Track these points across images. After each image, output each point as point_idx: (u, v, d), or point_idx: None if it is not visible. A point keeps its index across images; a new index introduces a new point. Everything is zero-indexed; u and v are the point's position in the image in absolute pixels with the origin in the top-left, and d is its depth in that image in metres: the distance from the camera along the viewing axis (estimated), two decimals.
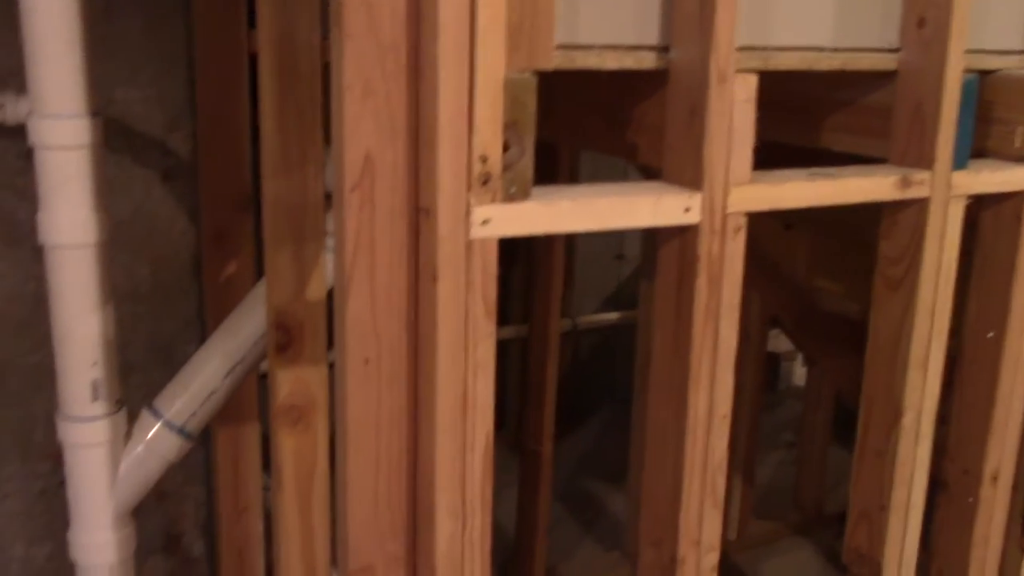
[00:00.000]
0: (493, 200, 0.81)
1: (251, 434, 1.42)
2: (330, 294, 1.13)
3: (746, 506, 2.10)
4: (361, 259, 0.81)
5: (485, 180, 0.81)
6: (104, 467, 1.12)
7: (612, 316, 2.90)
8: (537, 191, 0.85)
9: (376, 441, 0.86)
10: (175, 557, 1.45)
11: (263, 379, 1.40)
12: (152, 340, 1.36)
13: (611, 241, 2.96)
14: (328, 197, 1.08)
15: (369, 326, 0.83)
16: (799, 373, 3.11)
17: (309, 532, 1.18)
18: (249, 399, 1.40)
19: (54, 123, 1.00)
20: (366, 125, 0.79)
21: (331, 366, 1.17)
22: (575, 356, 2.84)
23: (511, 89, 0.80)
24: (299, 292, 1.11)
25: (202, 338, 1.39)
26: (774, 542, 2.16)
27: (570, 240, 2.58)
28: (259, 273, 1.36)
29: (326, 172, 1.12)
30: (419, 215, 0.82)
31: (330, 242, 1.17)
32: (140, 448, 1.14)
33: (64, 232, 1.03)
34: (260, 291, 1.18)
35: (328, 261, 1.15)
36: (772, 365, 3.04)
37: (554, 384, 1.85)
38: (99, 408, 1.10)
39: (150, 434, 1.15)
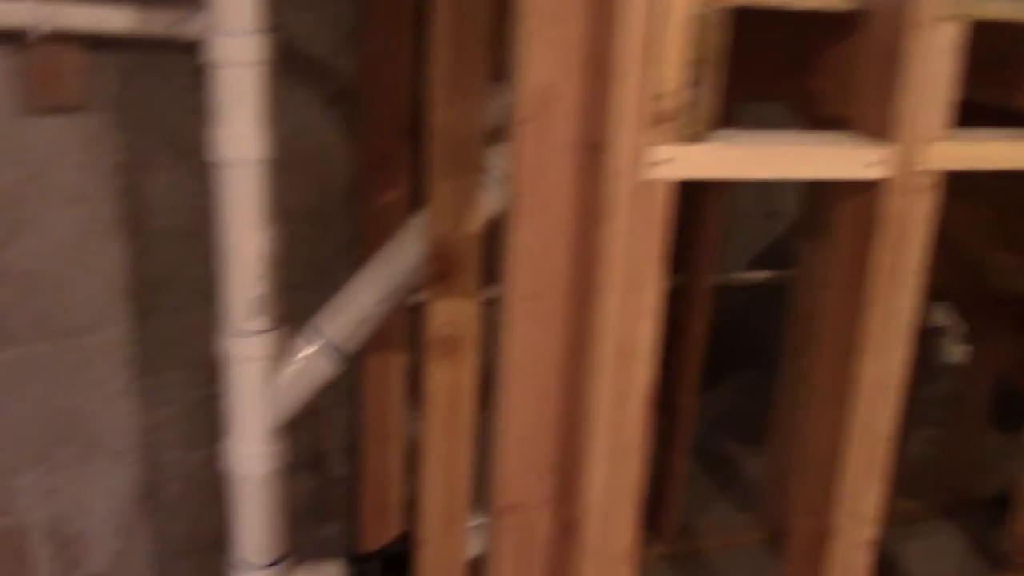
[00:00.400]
0: (670, 140, 0.78)
1: (398, 362, 1.44)
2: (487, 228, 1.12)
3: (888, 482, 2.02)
4: (533, 192, 0.79)
5: (663, 119, 0.77)
6: (262, 381, 1.14)
7: (760, 275, 2.81)
8: (716, 134, 0.81)
9: (535, 378, 0.85)
10: (319, 475, 1.48)
11: (412, 310, 1.41)
12: (308, 261, 1.38)
13: (764, 196, 2.86)
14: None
15: (536, 261, 0.81)
16: (951, 350, 2.96)
17: (453, 462, 1.18)
18: (399, 328, 1.41)
19: (230, 39, 1.01)
20: (547, 55, 0.76)
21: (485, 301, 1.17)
22: (717, 313, 2.78)
23: (698, 25, 0.76)
24: (458, 224, 1.10)
25: (356, 263, 1.40)
26: (916, 523, 2.08)
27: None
28: (415, 202, 1.36)
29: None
30: (593, 151, 0.80)
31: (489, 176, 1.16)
32: (297, 365, 1.16)
33: (233, 148, 1.05)
34: (419, 220, 1.18)
35: (486, 195, 1.14)
36: (924, 340, 2.90)
37: (703, 339, 1.81)
38: (260, 323, 1.12)
39: (307, 352, 1.16)
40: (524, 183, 0.79)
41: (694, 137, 0.78)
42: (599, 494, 0.86)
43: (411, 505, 1.55)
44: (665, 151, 0.77)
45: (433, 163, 1.07)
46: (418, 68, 1.32)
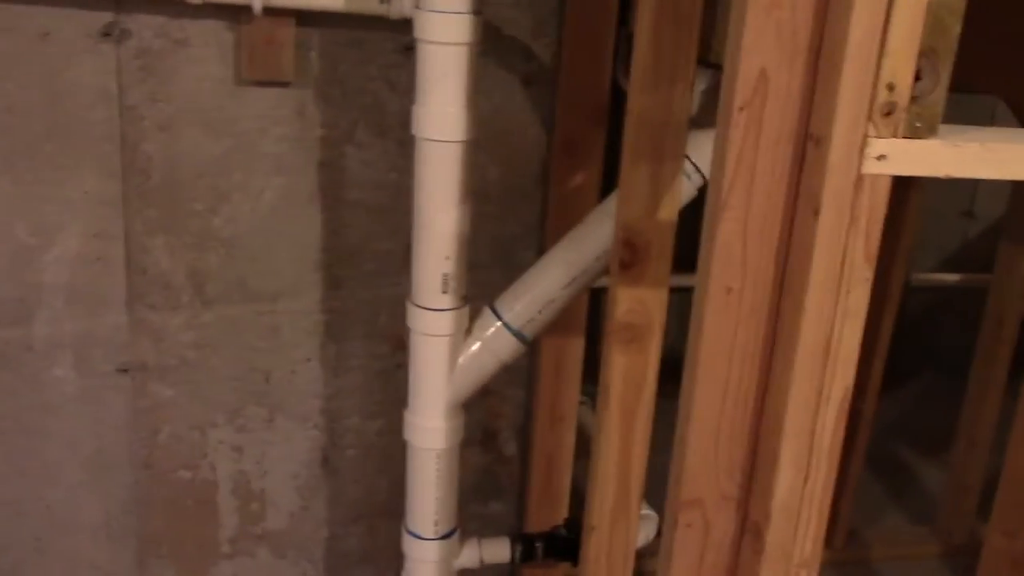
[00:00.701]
0: (894, 134, 0.74)
1: (575, 347, 1.43)
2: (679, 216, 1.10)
3: None
4: (739, 182, 0.77)
5: (888, 111, 0.73)
6: (445, 357, 1.16)
7: (951, 277, 2.67)
8: (944, 129, 0.76)
9: (727, 374, 0.82)
10: (490, 453, 1.50)
11: (592, 294, 1.40)
12: (493, 241, 1.39)
13: (961, 196, 2.72)
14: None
15: (737, 254, 0.79)
16: None
17: (628, 452, 1.17)
18: (578, 312, 1.41)
19: (440, 17, 1.02)
20: (766, 39, 0.73)
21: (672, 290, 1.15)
22: (901, 314, 2.67)
23: (934, 11, 0.72)
24: (650, 211, 1.08)
25: (541, 245, 1.41)
26: None
27: None
28: (604, 187, 1.35)
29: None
30: (807, 142, 0.76)
31: (687, 164, 1.14)
32: (478, 344, 1.17)
33: (436, 127, 1.06)
34: (608, 206, 1.17)
35: (683, 183, 1.11)
36: None
37: (887, 341, 1.73)
38: (447, 300, 1.13)
39: (489, 332, 1.17)
40: (731, 172, 0.77)
41: (920, 132, 0.74)
42: (786, 498, 0.84)
43: (577, 490, 1.55)
44: (888, 145, 0.74)
45: (627, 148, 1.06)
46: (614, 53, 1.31)
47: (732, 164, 0.76)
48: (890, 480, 2.18)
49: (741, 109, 0.75)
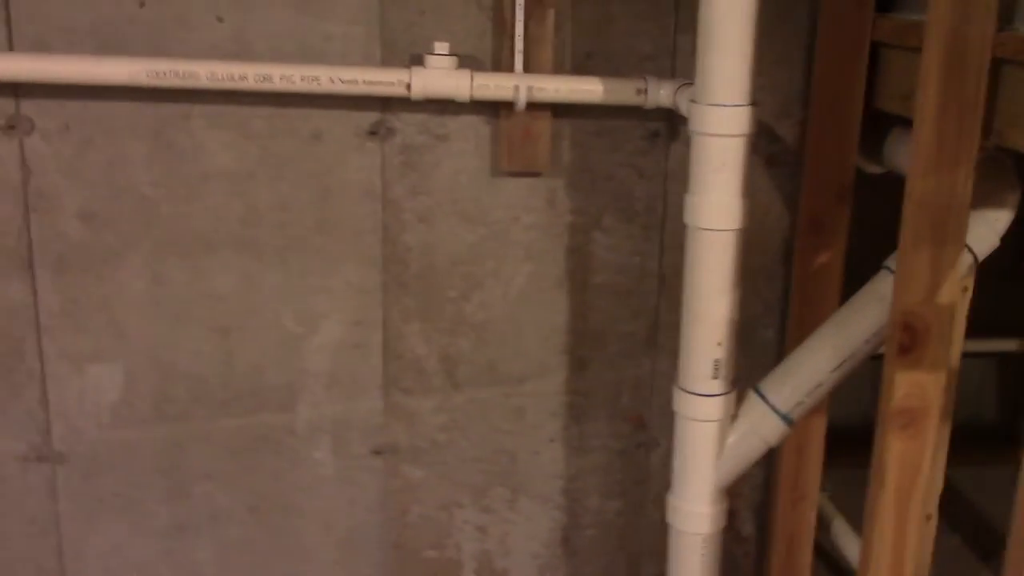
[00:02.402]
0: None
1: (818, 426, 1.42)
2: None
3: None
4: None
5: None
6: (713, 442, 1.16)
7: None
8: None
9: None
10: (728, 533, 1.48)
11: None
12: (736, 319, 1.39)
13: None
14: None
15: None
16: None
17: (902, 538, 1.15)
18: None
19: (719, 111, 1.04)
20: None
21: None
22: None
23: None
24: (930, 294, 1.07)
25: (782, 324, 1.40)
26: None
27: None
28: (848, 265, 1.35)
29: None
30: None
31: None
32: (745, 428, 1.17)
33: (712, 216, 1.08)
34: (876, 287, 1.16)
35: (963, 264, 1.10)
36: None
37: None
38: (717, 386, 1.14)
39: (756, 416, 1.17)
40: None
41: None
42: None
43: (817, 568, 1.52)
44: None
45: (906, 231, 1.05)
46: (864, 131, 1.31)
47: None
48: None
49: None
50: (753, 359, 1.38)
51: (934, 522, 1.72)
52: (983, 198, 1.14)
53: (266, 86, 1.18)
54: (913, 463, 1.13)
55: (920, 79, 1.02)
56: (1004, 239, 1.16)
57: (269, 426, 1.35)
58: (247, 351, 1.31)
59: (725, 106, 1.04)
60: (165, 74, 1.17)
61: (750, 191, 1.10)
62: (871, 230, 1.22)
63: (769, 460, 1.46)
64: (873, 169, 1.35)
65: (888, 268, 1.16)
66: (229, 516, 1.38)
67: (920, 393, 1.10)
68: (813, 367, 1.17)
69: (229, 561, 1.39)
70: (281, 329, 1.31)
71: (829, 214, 1.34)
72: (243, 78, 1.18)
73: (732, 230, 1.08)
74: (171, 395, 1.32)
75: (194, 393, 1.32)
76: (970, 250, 1.13)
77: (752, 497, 1.49)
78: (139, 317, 1.28)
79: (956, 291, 1.07)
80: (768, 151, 1.34)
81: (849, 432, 1.47)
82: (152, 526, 1.36)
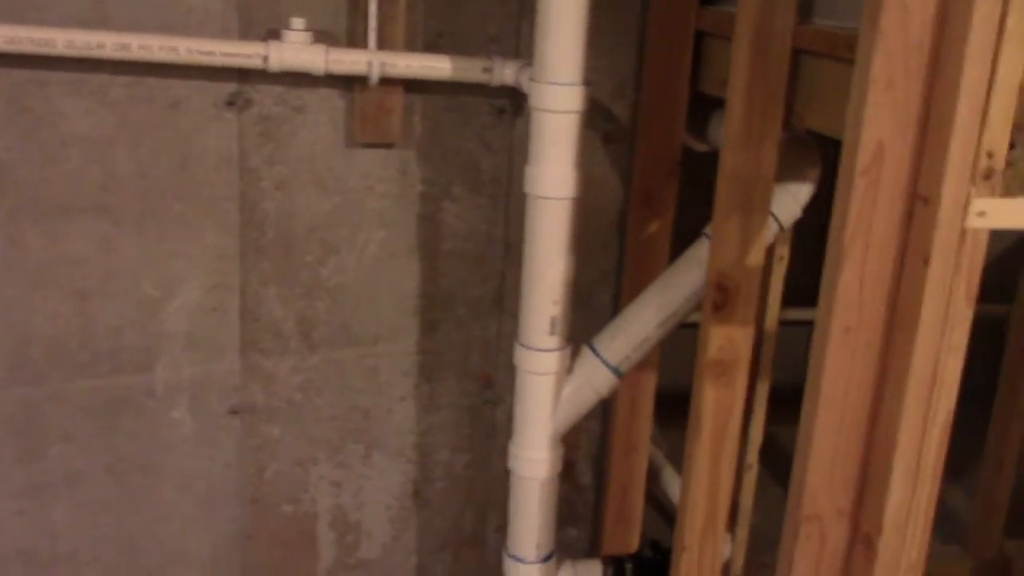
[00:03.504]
0: (992, 194, 0.86)
1: (648, 383, 1.54)
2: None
3: None
4: (858, 237, 0.89)
5: (988, 175, 0.86)
6: (550, 393, 1.27)
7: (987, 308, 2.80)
8: None
9: (844, 402, 0.94)
10: (567, 482, 1.60)
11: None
12: (574, 285, 1.50)
13: None
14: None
15: (854, 298, 0.91)
16: None
17: (717, 477, 1.28)
18: (652, 351, 1.52)
19: (555, 89, 1.15)
20: (883, 116, 0.86)
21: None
22: None
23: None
24: (740, 258, 1.20)
25: (617, 288, 1.52)
26: None
27: None
28: (677, 234, 1.47)
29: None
30: (915, 202, 0.89)
31: (771, 217, 1.26)
32: (579, 381, 1.29)
33: (549, 186, 1.18)
34: (695, 252, 1.29)
35: (768, 232, 1.24)
36: None
37: None
38: (554, 342, 1.25)
39: (589, 369, 1.29)
40: (851, 228, 0.89)
41: (1013, 191, 0.87)
42: (896, 510, 0.95)
43: (647, 515, 1.66)
44: (985, 204, 0.86)
45: (720, 201, 1.18)
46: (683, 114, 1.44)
47: (853, 221, 0.88)
48: None
49: (862, 174, 0.87)
50: (591, 321, 1.49)
51: (755, 472, 1.89)
52: (788, 173, 1.28)
53: (124, 55, 1.22)
54: (726, 410, 1.26)
55: (731, 65, 1.15)
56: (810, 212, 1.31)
57: (127, 387, 1.38)
58: (105, 314, 1.35)
59: (560, 84, 1.14)
60: (21, 40, 1.19)
61: (586, 165, 1.21)
62: (701, 204, 1.35)
63: (605, 415, 1.59)
64: (700, 147, 1.48)
65: (707, 235, 1.28)
66: (86, 476, 1.41)
67: (731, 347, 1.23)
68: (640, 323, 1.29)
69: (85, 521, 1.42)
70: (140, 293, 1.35)
71: (659, 188, 1.46)
72: (101, 46, 1.21)
73: (567, 198, 1.19)
74: (27, 357, 1.34)
75: (51, 355, 1.34)
76: (776, 219, 1.27)
77: (590, 449, 1.61)
78: None
79: (762, 254, 1.21)
80: (604, 129, 1.45)
81: (682, 397, 1.61)
82: (5, 487, 1.38)
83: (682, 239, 1.39)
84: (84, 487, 1.41)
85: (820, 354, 0.93)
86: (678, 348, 1.45)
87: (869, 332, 0.92)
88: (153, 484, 1.44)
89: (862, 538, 0.98)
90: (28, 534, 1.41)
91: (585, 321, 1.44)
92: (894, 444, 0.93)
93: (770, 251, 1.76)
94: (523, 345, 1.26)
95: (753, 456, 1.89)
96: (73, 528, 1.42)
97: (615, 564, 1.47)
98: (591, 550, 1.65)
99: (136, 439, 1.41)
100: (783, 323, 1.70)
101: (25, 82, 1.24)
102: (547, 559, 1.36)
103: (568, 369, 1.29)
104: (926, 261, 0.88)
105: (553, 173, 1.17)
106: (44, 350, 1.34)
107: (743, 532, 1.92)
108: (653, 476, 1.68)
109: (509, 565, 1.36)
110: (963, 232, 0.87)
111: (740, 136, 1.15)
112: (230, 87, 1.31)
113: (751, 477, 1.89)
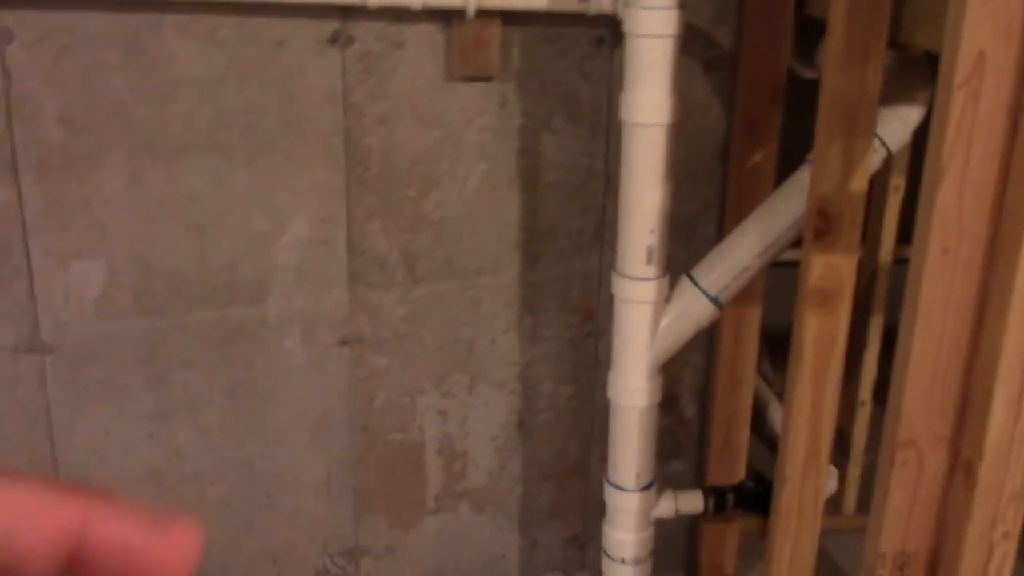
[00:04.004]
0: None
1: (754, 314, 1.53)
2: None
3: None
4: (958, 152, 0.86)
5: None
6: (648, 323, 1.27)
7: None
8: None
9: (942, 325, 0.91)
10: (671, 415, 1.61)
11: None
12: (676, 217, 1.49)
13: None
14: None
15: (954, 217, 0.88)
16: None
17: (819, 408, 1.27)
18: (757, 282, 1.50)
19: (650, 13, 1.13)
20: (984, 25, 0.82)
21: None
22: None
23: None
24: (843, 183, 1.17)
25: (721, 220, 1.51)
26: None
27: None
28: (782, 163, 1.44)
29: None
30: (1019, 114, 0.85)
31: (877, 141, 1.22)
32: (678, 310, 1.28)
33: (645, 112, 1.17)
34: (797, 179, 1.26)
35: (875, 157, 1.20)
36: None
37: None
38: (651, 271, 1.24)
39: (688, 298, 1.28)
40: (950, 142, 0.86)
41: None
42: (998, 436, 0.92)
43: (752, 448, 1.65)
44: None
45: (821, 124, 1.15)
46: (790, 38, 1.40)
47: (952, 135, 0.85)
48: None
49: (961, 86, 0.84)
50: (694, 253, 1.48)
51: (868, 409, 1.85)
52: (896, 95, 1.23)
53: None
54: (828, 340, 1.24)
55: None
56: None
57: (242, 318, 1.45)
58: (220, 248, 1.41)
59: (653, 8, 1.13)
60: None
61: (686, 93, 1.19)
62: (808, 133, 1.31)
63: (710, 348, 1.58)
64: (808, 74, 1.44)
65: (810, 161, 1.25)
66: (207, 402, 1.48)
67: (834, 275, 1.21)
68: (740, 253, 1.28)
69: (208, 443, 1.50)
70: (251, 227, 1.41)
71: (764, 116, 1.43)
72: None
73: (662, 125, 1.18)
74: (150, 289, 1.41)
75: (171, 287, 1.41)
76: (883, 143, 1.23)
77: (694, 383, 1.60)
78: (118, 216, 1.37)
79: (866, 180, 1.18)
80: (705, 56, 1.42)
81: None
82: (136, 412, 1.47)
83: (788, 169, 1.36)
84: (205, 412, 1.49)
85: (917, 275, 0.91)
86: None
87: (969, 252, 0.89)
88: (269, 411, 1.51)
89: (962, 465, 0.96)
90: (157, 456, 1.50)
91: (687, 253, 1.43)
92: (995, 367, 0.90)
93: (885, 182, 1.71)
94: (620, 274, 1.26)
95: (866, 393, 1.85)
96: (197, 451, 1.51)
97: (716, 494, 1.47)
98: (696, 483, 1.66)
99: (252, 368, 1.48)
100: (901, 261, 1.65)
101: (141, 25, 1.30)
102: (647, 487, 1.37)
103: (667, 299, 1.29)
104: None
105: (648, 99, 1.16)
106: (165, 282, 1.41)
107: (855, 470, 1.89)
108: (760, 411, 1.67)
109: (610, 493, 1.38)
110: None
111: (842, 56, 1.12)
112: (332, 24, 1.34)
113: (864, 414, 1.85)
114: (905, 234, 1.58)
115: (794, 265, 1.29)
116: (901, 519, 0.98)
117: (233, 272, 1.42)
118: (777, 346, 1.58)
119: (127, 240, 1.38)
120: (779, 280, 1.56)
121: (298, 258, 1.43)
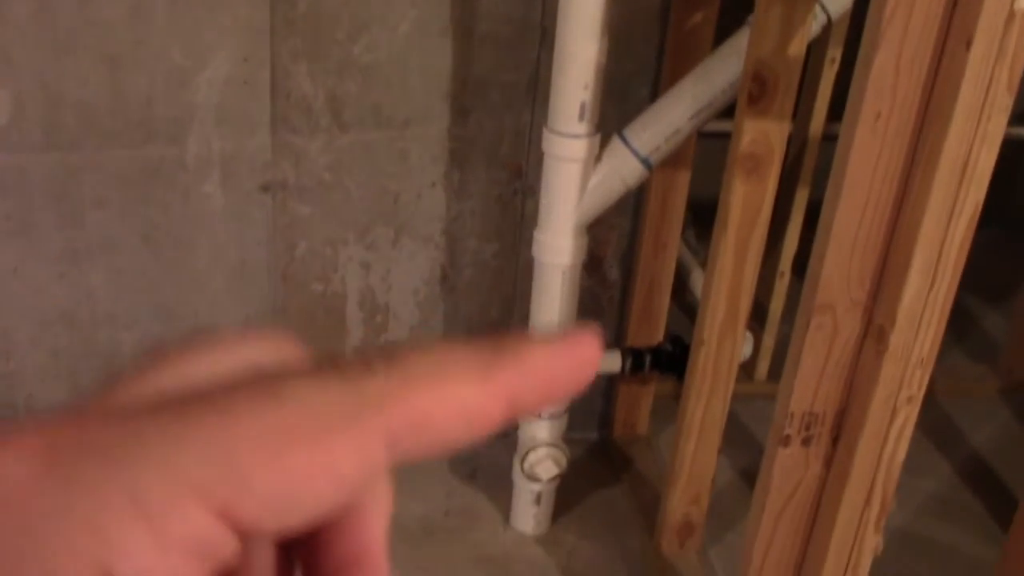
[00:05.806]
0: None
1: (683, 180, 1.52)
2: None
3: None
4: (897, 19, 0.84)
5: None
6: (577, 181, 1.26)
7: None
8: None
9: (868, 191, 0.92)
10: (595, 277, 1.61)
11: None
12: (610, 77, 1.46)
13: None
14: None
15: (888, 83, 0.87)
16: None
17: (740, 273, 1.28)
18: (687, 147, 1.49)
19: None
20: None
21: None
22: None
23: None
24: (781, 48, 1.16)
25: (656, 82, 1.48)
26: None
27: None
28: (719, 28, 1.42)
29: None
30: None
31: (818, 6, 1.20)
32: (607, 170, 1.27)
33: None
34: (735, 43, 1.24)
35: (815, 23, 1.18)
36: None
37: None
38: (583, 128, 1.22)
39: (618, 159, 1.27)
40: (890, 10, 0.84)
41: None
42: (911, 303, 0.94)
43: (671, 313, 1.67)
44: None
45: None
46: None
47: (891, 2, 0.84)
48: (951, 323, 2.29)
49: None
50: (627, 115, 1.46)
51: (787, 280, 1.88)
52: None
53: None
54: (754, 205, 1.25)
55: None
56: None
57: (159, 158, 1.40)
58: (136, 82, 1.34)
59: None
60: None
61: None
62: None
63: (637, 212, 1.58)
64: None
65: (749, 24, 1.23)
66: (122, 244, 1.44)
67: (764, 140, 1.20)
68: (673, 114, 1.26)
69: (123, 286, 1.47)
70: (170, 61, 1.34)
71: None
72: None
73: None
74: (60, 123, 1.35)
75: (84, 122, 1.35)
76: (824, 8, 1.21)
77: (619, 246, 1.61)
78: (24, 43, 1.30)
79: (804, 45, 1.16)
80: None
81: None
82: (46, 251, 1.42)
83: (726, 33, 1.33)
84: (120, 254, 1.45)
85: (847, 140, 0.90)
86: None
87: (901, 119, 0.89)
88: (187, 256, 1.47)
89: (874, 331, 0.98)
90: (68, 297, 1.46)
91: (620, 114, 1.41)
92: (916, 235, 0.91)
93: (821, 55, 1.69)
94: (552, 130, 1.24)
95: (786, 264, 1.88)
96: (111, 293, 1.47)
97: (634, 355, 1.49)
98: (615, 344, 1.68)
99: (169, 210, 1.44)
100: (831, 138, 1.65)
101: None
102: None
103: (597, 158, 1.27)
104: (968, 44, 0.83)
105: None
106: (76, 116, 1.35)
107: (770, 339, 1.93)
108: (682, 279, 1.69)
109: None
110: (1011, 15, 0.82)
111: None
112: None
113: (782, 285, 1.89)
114: (837, 110, 1.58)
115: (725, 136, 1.29)
116: (812, 380, 1.00)
117: (149, 108, 1.36)
118: (703, 217, 1.59)
119: (35, 69, 1.31)
120: (709, 151, 1.56)
121: (218, 97, 1.38)
